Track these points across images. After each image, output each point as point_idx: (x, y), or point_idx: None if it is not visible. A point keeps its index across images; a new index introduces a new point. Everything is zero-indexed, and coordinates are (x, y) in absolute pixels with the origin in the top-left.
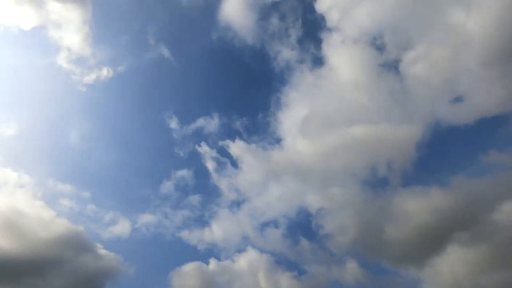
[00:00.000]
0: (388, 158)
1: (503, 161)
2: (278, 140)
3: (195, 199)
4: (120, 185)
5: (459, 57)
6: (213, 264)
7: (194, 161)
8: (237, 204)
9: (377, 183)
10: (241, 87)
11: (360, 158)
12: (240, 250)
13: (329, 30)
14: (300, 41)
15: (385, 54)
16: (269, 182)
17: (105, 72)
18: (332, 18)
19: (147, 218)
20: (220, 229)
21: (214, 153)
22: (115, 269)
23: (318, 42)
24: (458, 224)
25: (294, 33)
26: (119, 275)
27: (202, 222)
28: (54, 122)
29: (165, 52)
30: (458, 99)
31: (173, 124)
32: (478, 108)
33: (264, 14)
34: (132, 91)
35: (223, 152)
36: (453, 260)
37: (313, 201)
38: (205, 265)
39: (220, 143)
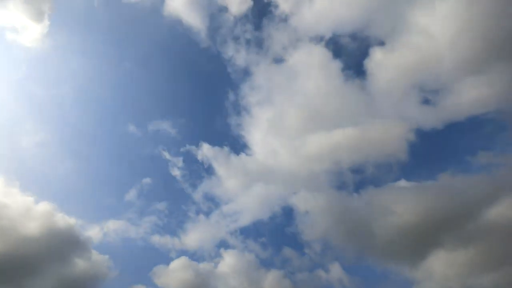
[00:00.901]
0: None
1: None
2: (244, 144)
3: (161, 205)
4: (83, 194)
5: (425, 59)
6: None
7: (158, 167)
8: (207, 209)
9: (353, 184)
10: (198, 89)
11: (328, 162)
12: (214, 256)
13: (289, 29)
14: (257, 41)
15: (349, 54)
16: (240, 187)
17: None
18: (293, 16)
19: (115, 225)
20: (193, 235)
21: (179, 158)
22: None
23: (277, 42)
24: (446, 224)
25: (250, 33)
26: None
27: (171, 228)
28: (5, 127)
29: (115, 55)
30: (426, 101)
31: (132, 129)
32: (447, 110)
33: (216, 13)
34: (86, 97)
35: (189, 157)
36: (443, 260)
37: (289, 203)
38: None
39: (185, 147)
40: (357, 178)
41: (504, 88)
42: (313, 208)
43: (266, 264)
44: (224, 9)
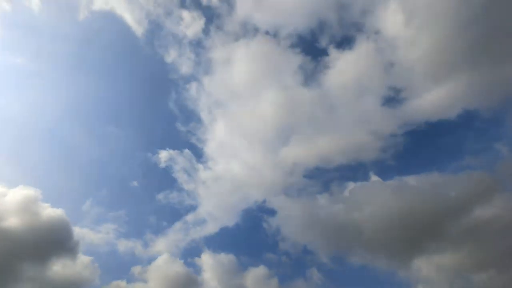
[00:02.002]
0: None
1: None
2: (202, 150)
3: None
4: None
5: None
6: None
7: (116, 174)
8: (169, 217)
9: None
10: (142, 95)
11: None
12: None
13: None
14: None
15: (306, 57)
16: (203, 192)
17: None
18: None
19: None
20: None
21: (136, 165)
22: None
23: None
24: (428, 228)
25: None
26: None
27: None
28: None
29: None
30: (390, 102)
31: (79, 137)
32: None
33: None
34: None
35: (148, 163)
36: (427, 261)
37: (255, 208)
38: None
39: (142, 154)
40: (324, 180)
41: (468, 93)
42: (284, 213)
43: (242, 267)
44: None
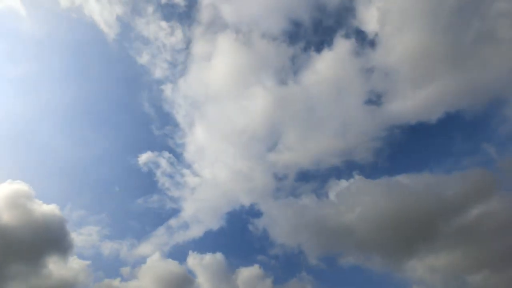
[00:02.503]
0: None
1: None
2: (182, 153)
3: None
4: None
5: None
6: None
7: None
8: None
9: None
10: (117, 98)
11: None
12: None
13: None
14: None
15: (289, 56)
16: (185, 195)
17: None
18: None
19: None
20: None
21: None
22: None
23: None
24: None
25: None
26: None
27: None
28: None
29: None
30: (371, 103)
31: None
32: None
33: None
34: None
35: (128, 166)
36: (418, 262)
37: (239, 212)
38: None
39: (122, 157)
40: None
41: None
42: (270, 215)
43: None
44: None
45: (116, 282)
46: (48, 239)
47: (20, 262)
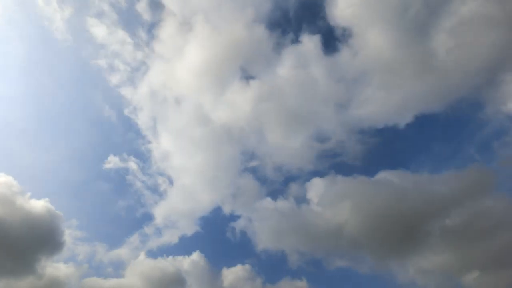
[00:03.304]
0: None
1: None
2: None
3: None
4: None
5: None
6: None
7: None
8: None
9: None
10: (77, 103)
11: None
12: None
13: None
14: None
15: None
16: (156, 201)
17: None
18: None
19: None
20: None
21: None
22: None
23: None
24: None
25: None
26: None
27: None
28: None
29: None
30: (341, 106)
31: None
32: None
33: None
34: None
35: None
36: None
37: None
38: None
39: (87, 163)
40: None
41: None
42: (248, 218)
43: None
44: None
45: (99, 280)
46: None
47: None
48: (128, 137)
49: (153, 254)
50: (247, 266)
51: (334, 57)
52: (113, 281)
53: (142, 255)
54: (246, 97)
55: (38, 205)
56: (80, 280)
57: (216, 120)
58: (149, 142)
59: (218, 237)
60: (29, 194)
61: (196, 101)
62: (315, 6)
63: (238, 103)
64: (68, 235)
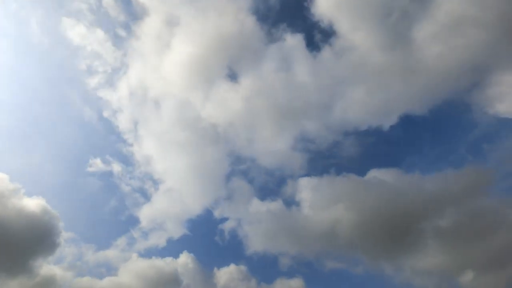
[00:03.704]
0: None
1: None
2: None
3: None
4: None
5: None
6: None
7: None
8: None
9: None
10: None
11: None
12: None
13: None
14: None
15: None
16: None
17: None
18: None
19: None
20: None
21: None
22: None
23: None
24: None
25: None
26: None
27: None
28: None
29: None
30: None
31: None
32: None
33: None
34: None
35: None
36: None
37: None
38: None
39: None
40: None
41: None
42: (237, 219)
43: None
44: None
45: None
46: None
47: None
48: (110, 139)
49: (142, 255)
50: (239, 267)
51: (319, 58)
52: (102, 282)
53: (130, 257)
54: (233, 96)
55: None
56: (73, 280)
57: (202, 120)
58: (131, 144)
59: (208, 239)
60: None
61: (180, 101)
62: (300, 6)
63: (225, 102)
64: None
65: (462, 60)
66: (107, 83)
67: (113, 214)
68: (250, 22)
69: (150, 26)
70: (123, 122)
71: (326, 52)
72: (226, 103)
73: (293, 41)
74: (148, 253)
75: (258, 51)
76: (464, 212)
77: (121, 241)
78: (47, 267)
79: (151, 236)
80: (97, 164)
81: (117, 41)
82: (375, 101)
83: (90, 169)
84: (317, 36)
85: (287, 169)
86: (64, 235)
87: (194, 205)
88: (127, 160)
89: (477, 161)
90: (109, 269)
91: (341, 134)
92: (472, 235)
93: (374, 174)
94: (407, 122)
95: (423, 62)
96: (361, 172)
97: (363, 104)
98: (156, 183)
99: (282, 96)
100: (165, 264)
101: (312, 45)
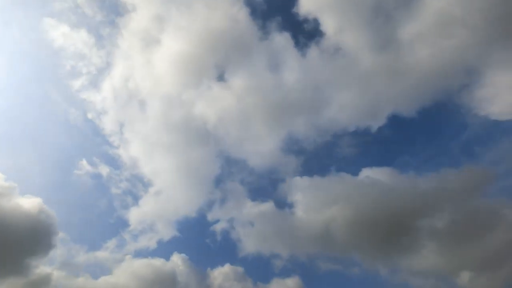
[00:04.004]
0: None
1: None
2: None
3: None
4: None
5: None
6: None
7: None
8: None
9: None
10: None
11: None
12: None
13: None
14: None
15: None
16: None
17: None
18: None
19: None
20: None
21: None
22: None
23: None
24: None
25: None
26: None
27: None
28: None
29: None
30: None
31: None
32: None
33: None
34: None
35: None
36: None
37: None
38: None
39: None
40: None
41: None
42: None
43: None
44: None
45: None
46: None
47: None
48: (96, 142)
49: (133, 257)
50: (234, 267)
51: (307, 59)
52: (95, 282)
53: (122, 258)
54: (222, 96)
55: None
56: (66, 280)
57: (190, 120)
58: (117, 147)
59: (199, 240)
60: None
61: (168, 100)
62: (287, 5)
63: (214, 101)
64: None
65: (450, 61)
66: (91, 84)
67: (103, 216)
68: (241, 18)
69: (136, 23)
70: (108, 124)
71: (314, 52)
72: (216, 103)
73: (282, 40)
74: (139, 255)
75: (248, 48)
76: (460, 212)
77: (111, 243)
78: (41, 267)
79: (141, 238)
80: (84, 166)
81: (101, 41)
82: (364, 102)
83: (78, 172)
84: (305, 35)
85: (278, 170)
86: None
87: (185, 207)
88: (114, 163)
89: (470, 161)
90: (103, 270)
91: (331, 135)
92: (468, 236)
93: (367, 173)
94: (396, 122)
95: (411, 63)
96: (354, 171)
97: (352, 104)
98: (145, 185)
99: (272, 95)
100: (156, 265)
101: (300, 45)
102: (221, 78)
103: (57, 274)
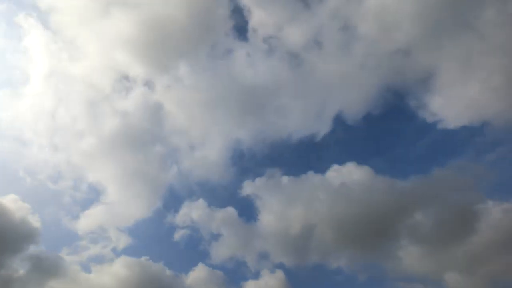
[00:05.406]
0: None
1: None
2: None
3: None
4: None
5: None
6: None
7: None
8: None
9: None
10: None
11: None
12: None
13: None
14: None
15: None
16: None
17: None
18: None
19: None
20: None
21: None
22: None
23: None
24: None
25: None
26: None
27: None
28: None
29: None
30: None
31: None
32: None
33: None
34: None
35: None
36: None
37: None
38: None
39: None
40: None
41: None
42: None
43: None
44: None
45: None
46: None
47: None
48: None
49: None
50: (206, 269)
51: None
52: None
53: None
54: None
55: None
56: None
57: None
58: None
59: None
60: None
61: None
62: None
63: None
64: None
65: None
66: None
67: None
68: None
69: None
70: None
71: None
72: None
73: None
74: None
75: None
76: (444, 213)
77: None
78: None
79: (93, 246)
80: None
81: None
82: (312, 106)
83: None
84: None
85: (230, 173)
86: None
87: (137, 212)
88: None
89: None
90: None
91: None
92: (453, 236)
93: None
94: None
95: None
96: (321, 170)
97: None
98: (94, 193)
99: (218, 96)
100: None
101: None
102: (166, 71)
103: None
